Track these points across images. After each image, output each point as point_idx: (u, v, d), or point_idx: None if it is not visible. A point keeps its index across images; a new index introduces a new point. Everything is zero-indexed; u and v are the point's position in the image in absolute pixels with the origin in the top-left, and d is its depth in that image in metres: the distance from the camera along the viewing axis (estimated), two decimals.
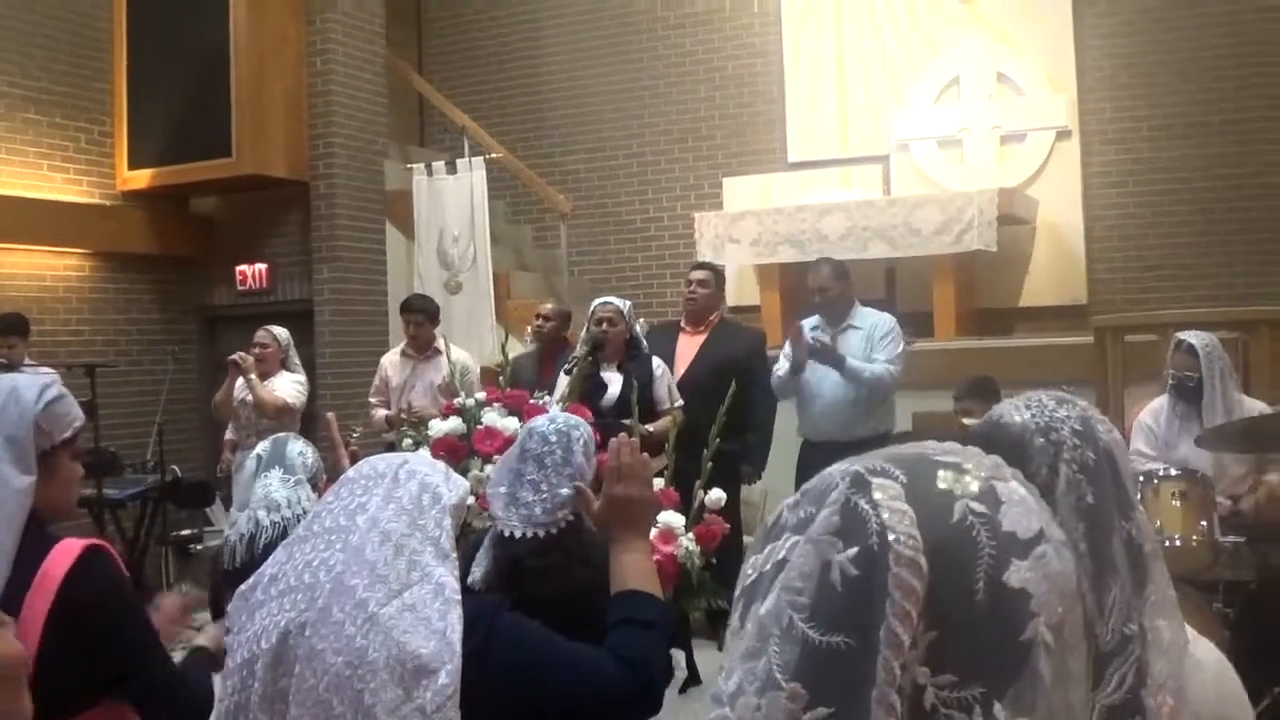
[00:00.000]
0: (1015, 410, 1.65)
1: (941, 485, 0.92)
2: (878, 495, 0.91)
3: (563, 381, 5.54)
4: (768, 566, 0.93)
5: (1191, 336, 5.31)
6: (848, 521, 0.90)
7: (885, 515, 0.89)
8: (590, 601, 2.37)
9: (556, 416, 2.84)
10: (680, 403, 6.09)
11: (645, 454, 2.51)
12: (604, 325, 6.09)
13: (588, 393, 5.66)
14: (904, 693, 0.86)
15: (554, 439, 2.67)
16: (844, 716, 0.86)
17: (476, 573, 2.59)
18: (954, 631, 0.87)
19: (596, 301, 6.30)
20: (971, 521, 0.90)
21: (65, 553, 2.25)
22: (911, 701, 0.86)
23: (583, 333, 6.17)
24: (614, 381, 5.94)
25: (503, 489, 2.59)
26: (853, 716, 0.86)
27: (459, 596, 1.82)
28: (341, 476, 1.94)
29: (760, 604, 0.92)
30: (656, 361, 6.23)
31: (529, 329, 7.51)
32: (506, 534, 2.52)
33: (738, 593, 0.96)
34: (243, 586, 1.85)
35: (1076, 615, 0.92)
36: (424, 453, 2.06)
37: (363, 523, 1.81)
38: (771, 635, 0.89)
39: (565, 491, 2.59)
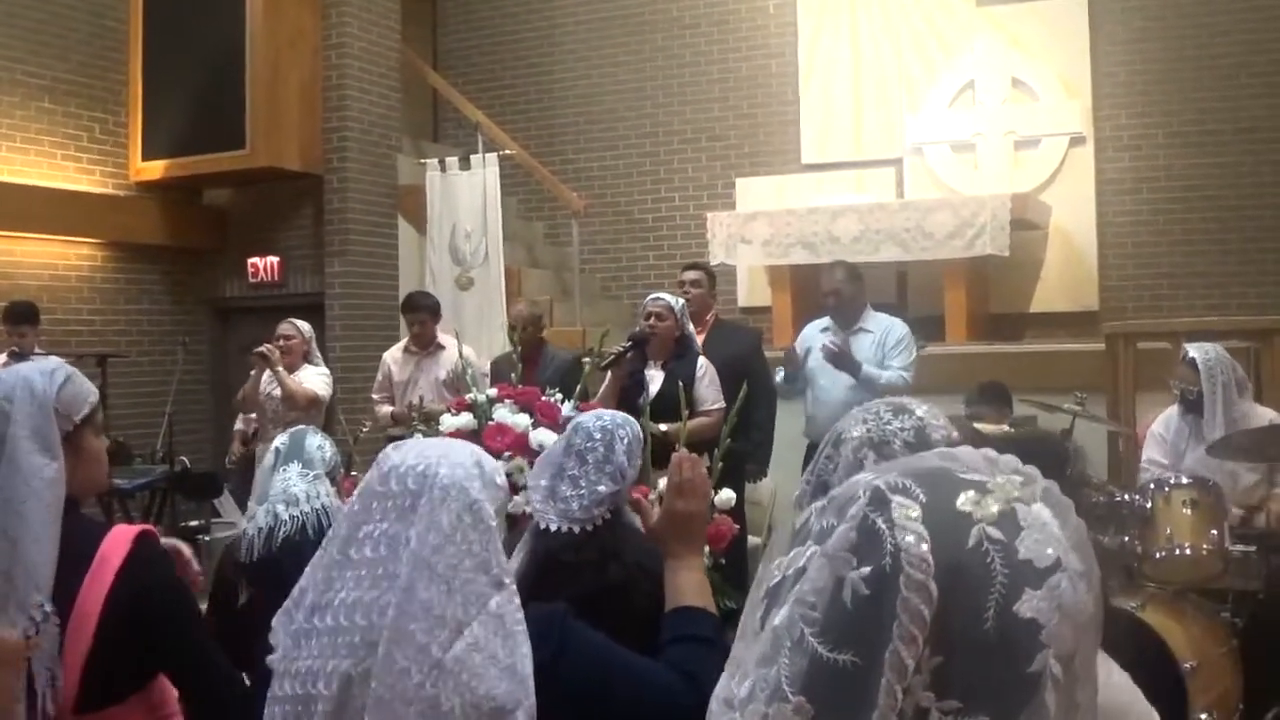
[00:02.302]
0: (855, 424, 1.69)
1: (962, 507, 0.92)
2: (896, 515, 0.91)
3: (607, 378, 5.52)
4: (789, 571, 0.95)
5: (1193, 349, 5.31)
6: (864, 539, 0.91)
7: (900, 537, 0.90)
8: (622, 599, 2.37)
9: (604, 413, 2.83)
10: (722, 404, 6.00)
11: (704, 468, 2.50)
12: (651, 320, 6.02)
13: (627, 389, 5.64)
14: (906, 715, 0.87)
15: (598, 436, 2.66)
16: None
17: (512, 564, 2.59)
18: (961, 658, 0.88)
19: (649, 297, 6.25)
20: (987, 548, 0.90)
21: (121, 538, 2.28)
22: None
23: (634, 329, 6.11)
24: (656, 380, 5.88)
25: (543, 482, 2.58)
26: None
27: (522, 625, 1.78)
28: (366, 487, 1.87)
29: (778, 611, 0.93)
30: (702, 361, 6.15)
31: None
32: (543, 527, 2.52)
33: (761, 593, 0.98)
34: (286, 605, 1.81)
35: (1089, 647, 0.92)
36: (447, 442, 1.97)
37: (407, 558, 1.75)
38: (784, 645, 0.91)
39: (603, 489, 2.59)
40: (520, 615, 1.79)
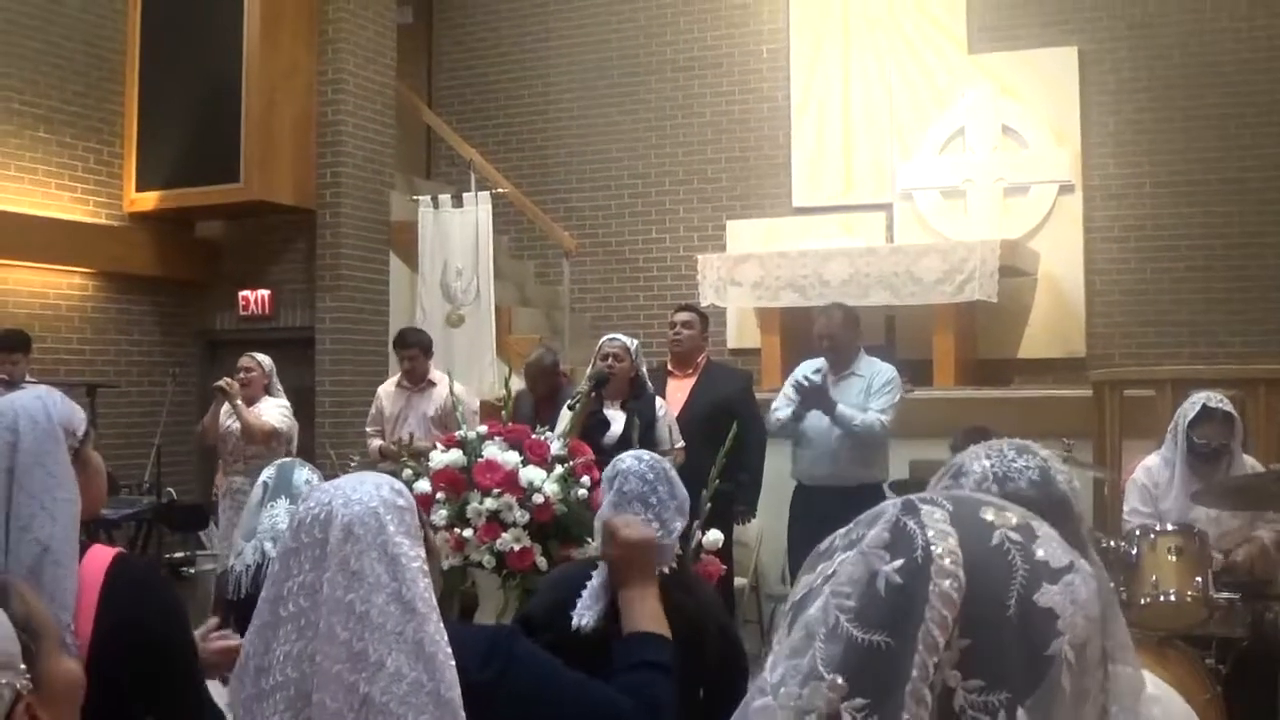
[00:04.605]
0: (975, 459, 1.68)
1: (984, 516, 1.01)
2: (925, 518, 1.00)
3: (565, 416, 5.52)
4: (818, 582, 1.01)
5: (1216, 403, 5.16)
6: (896, 537, 0.99)
7: (930, 534, 0.98)
8: (694, 635, 2.36)
9: (641, 454, 2.83)
10: (681, 444, 6.06)
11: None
12: (610, 361, 6.06)
13: (589, 429, 5.65)
14: (935, 690, 0.94)
15: (652, 476, 2.67)
16: (879, 708, 0.94)
17: (588, 617, 2.55)
18: (986, 640, 0.95)
19: (605, 338, 6.28)
20: (1008, 547, 0.98)
21: (96, 563, 2.27)
22: (942, 701, 0.94)
23: (588, 368, 6.13)
24: (616, 419, 5.89)
25: None
26: (887, 708, 0.93)
27: (442, 648, 1.80)
28: (283, 546, 1.89)
29: (807, 612, 1.00)
30: (660, 402, 6.19)
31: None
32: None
33: (787, 606, 1.04)
34: (235, 672, 1.84)
35: (1097, 640, 1.00)
36: (348, 481, 1.96)
37: (323, 603, 1.79)
38: (817, 634, 0.97)
39: (679, 524, 2.61)
40: (441, 638, 1.80)
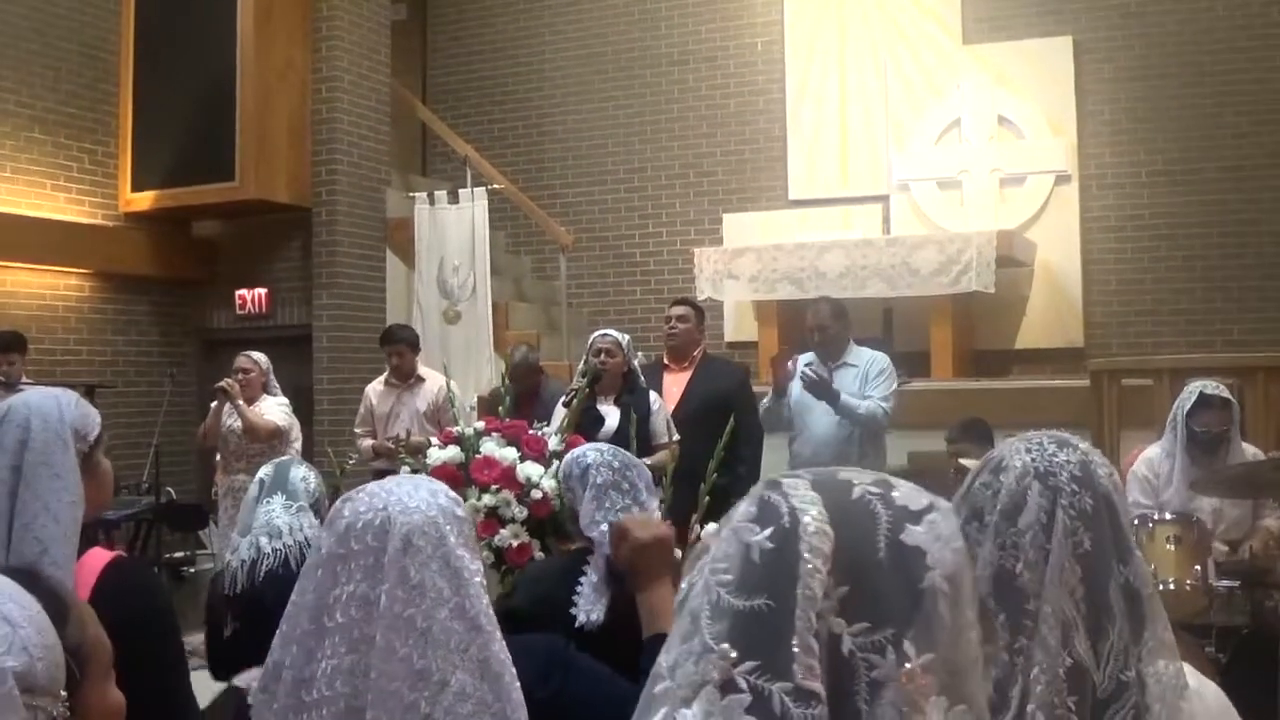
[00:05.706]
0: (1015, 453, 1.65)
1: (842, 477, 1.08)
2: (787, 489, 1.06)
3: (560, 412, 5.51)
4: (695, 575, 1.07)
5: (1214, 390, 5.11)
6: (762, 510, 1.06)
7: (794, 500, 1.04)
8: None
9: (600, 446, 2.83)
10: (677, 437, 6.06)
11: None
12: (602, 356, 6.05)
13: (584, 425, 5.64)
14: (821, 639, 0.98)
15: (618, 464, 2.67)
16: (769, 666, 0.98)
17: (595, 612, 2.55)
18: (863, 584, 1.01)
19: (595, 333, 6.27)
20: (869, 498, 1.06)
21: (91, 565, 2.27)
22: (830, 650, 0.99)
23: (580, 364, 6.12)
24: (611, 414, 5.89)
25: (603, 527, 2.55)
26: (777, 664, 0.98)
27: (507, 666, 1.73)
28: (327, 551, 1.76)
29: (690, 601, 1.06)
30: (654, 395, 6.18)
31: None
32: (620, 570, 2.49)
33: (674, 605, 1.11)
34: (263, 683, 1.73)
35: (966, 571, 1.06)
36: (398, 486, 1.86)
37: (380, 617, 1.69)
38: (702, 614, 1.03)
39: (654, 503, 2.61)
40: (506, 657, 1.73)
